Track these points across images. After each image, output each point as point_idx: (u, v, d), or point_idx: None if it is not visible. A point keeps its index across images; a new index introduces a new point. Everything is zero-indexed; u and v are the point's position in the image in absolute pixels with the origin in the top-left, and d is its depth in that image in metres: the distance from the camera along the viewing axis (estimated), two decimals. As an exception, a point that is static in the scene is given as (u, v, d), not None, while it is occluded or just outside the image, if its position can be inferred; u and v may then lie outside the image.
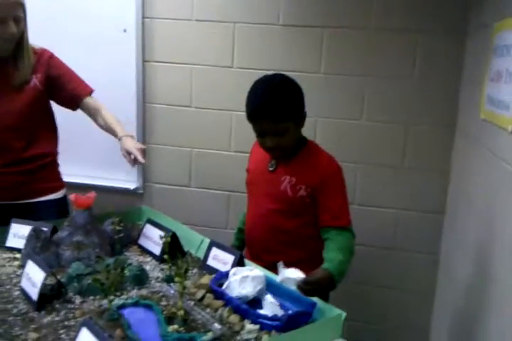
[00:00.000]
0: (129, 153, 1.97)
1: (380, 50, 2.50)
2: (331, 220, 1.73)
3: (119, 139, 2.05)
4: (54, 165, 2.23)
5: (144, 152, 2.00)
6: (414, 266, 2.65)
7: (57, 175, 2.26)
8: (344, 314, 1.37)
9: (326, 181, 1.75)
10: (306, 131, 1.86)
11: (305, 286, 1.43)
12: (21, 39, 1.98)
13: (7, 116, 2.02)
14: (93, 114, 2.19)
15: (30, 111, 2.06)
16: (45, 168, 2.16)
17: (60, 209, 2.19)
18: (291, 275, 1.45)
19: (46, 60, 2.09)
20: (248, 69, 2.65)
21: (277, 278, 1.46)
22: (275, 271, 1.56)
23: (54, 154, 2.22)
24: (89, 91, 2.20)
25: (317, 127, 2.62)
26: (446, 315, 2.29)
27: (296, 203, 1.78)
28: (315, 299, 1.43)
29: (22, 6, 1.93)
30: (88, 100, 2.19)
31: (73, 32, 2.74)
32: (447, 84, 2.46)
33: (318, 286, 1.47)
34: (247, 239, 1.96)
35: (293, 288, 1.45)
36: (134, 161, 1.97)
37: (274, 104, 1.67)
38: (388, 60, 2.50)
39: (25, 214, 1.98)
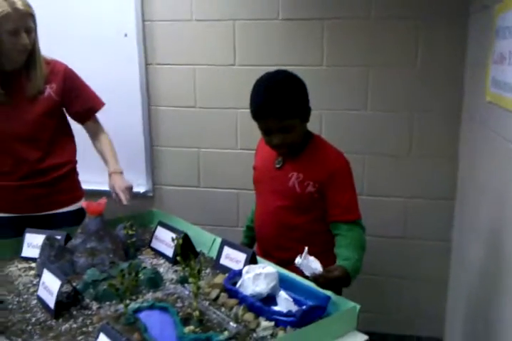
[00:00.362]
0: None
1: (382, 39, 2.49)
2: (341, 215, 1.73)
3: (109, 175, 2.10)
4: (73, 174, 2.22)
5: (130, 190, 2.05)
6: (427, 254, 2.64)
7: (77, 184, 2.25)
8: (358, 306, 1.37)
9: (333, 176, 1.74)
10: (312, 125, 1.85)
11: (322, 280, 1.43)
12: (33, 50, 1.99)
13: (22, 126, 2.02)
14: (92, 136, 2.24)
15: (45, 121, 2.06)
16: (64, 179, 2.15)
17: (79, 219, 2.14)
18: (312, 264, 1.43)
19: (61, 72, 2.10)
20: (250, 66, 2.66)
21: (296, 260, 1.43)
22: (287, 267, 1.57)
23: (73, 162, 2.21)
24: (101, 105, 2.22)
25: (323, 120, 2.62)
26: (460, 303, 2.28)
27: (304, 199, 1.77)
28: (328, 293, 1.43)
29: (33, 17, 1.94)
30: (90, 124, 2.22)
31: (75, 39, 2.76)
32: (451, 69, 2.44)
33: (334, 283, 1.47)
34: (258, 236, 1.96)
35: (306, 274, 1.44)
36: (120, 201, 2.02)
37: (278, 101, 1.66)
38: (390, 49, 2.49)
39: (44, 226, 1.96)
